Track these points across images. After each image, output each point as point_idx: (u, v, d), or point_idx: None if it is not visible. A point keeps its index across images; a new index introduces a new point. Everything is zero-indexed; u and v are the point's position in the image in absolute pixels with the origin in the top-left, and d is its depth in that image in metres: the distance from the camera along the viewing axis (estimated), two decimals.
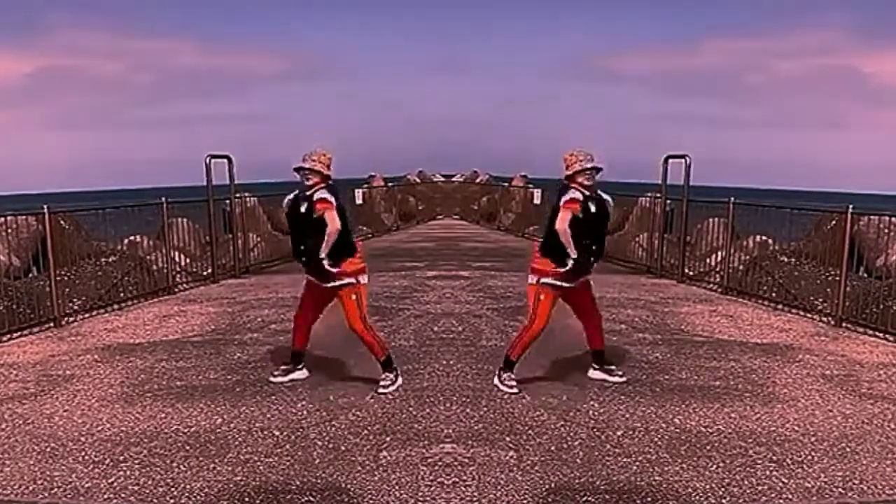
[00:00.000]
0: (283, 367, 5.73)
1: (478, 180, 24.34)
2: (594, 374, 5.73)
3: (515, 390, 5.41)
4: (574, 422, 4.88)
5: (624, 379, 5.65)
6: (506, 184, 21.01)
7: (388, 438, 4.58)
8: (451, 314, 8.13)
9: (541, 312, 5.35)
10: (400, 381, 5.56)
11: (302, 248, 5.28)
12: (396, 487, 3.91)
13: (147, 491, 3.86)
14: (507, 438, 4.58)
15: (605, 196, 5.36)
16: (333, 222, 5.13)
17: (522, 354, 5.52)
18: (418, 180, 24.33)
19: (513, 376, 5.50)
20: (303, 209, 5.19)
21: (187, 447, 4.44)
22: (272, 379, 5.64)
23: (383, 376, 5.50)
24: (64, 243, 8.29)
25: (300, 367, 5.73)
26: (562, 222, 5.14)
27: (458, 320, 7.81)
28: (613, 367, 5.78)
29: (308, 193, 5.21)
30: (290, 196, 5.37)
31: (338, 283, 5.28)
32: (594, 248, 5.27)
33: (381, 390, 5.42)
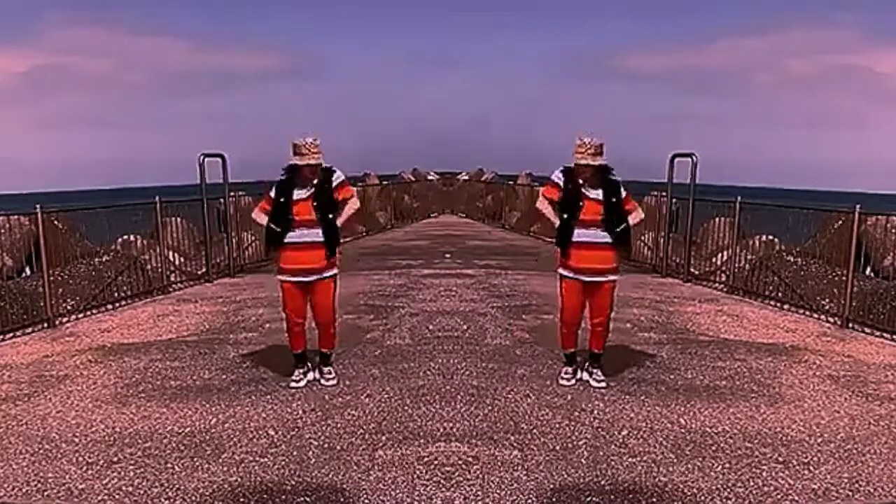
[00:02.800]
0: (300, 372, 5.62)
1: (483, 178, 24.31)
2: (583, 374, 5.69)
3: (568, 381, 5.61)
4: (579, 421, 4.83)
5: (602, 386, 5.49)
6: (511, 182, 21.00)
7: (383, 437, 4.54)
8: (455, 312, 8.05)
9: (564, 299, 5.47)
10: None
11: (329, 220, 5.30)
12: (392, 487, 3.88)
13: (141, 492, 3.81)
14: (512, 438, 4.54)
15: (614, 182, 5.32)
16: (357, 202, 5.57)
17: (566, 345, 5.64)
18: (413, 178, 24.32)
19: (568, 370, 5.69)
20: (326, 186, 5.32)
21: (182, 447, 4.40)
22: (293, 386, 5.52)
23: (329, 370, 5.69)
24: (57, 243, 8.22)
25: (310, 367, 5.71)
26: (539, 202, 5.59)
27: (463, 319, 7.74)
28: (596, 372, 5.63)
29: (322, 177, 5.30)
30: (305, 185, 5.27)
31: (332, 272, 5.39)
32: (570, 221, 5.28)
33: (327, 383, 5.59)
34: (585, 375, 5.65)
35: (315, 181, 5.27)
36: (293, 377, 5.60)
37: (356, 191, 5.61)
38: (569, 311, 5.45)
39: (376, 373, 5.87)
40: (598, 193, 5.25)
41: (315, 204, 5.24)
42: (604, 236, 5.25)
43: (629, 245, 5.41)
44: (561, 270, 5.41)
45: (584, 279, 5.32)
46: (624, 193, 5.34)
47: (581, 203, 5.24)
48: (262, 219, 5.45)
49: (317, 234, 5.26)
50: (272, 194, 5.35)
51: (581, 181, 5.26)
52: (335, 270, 5.42)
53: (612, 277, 5.36)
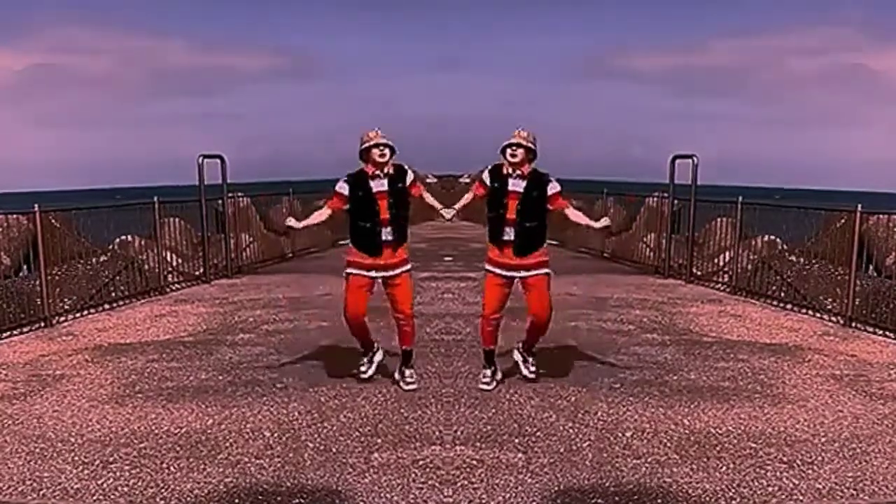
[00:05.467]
0: (365, 359, 5.60)
1: None
2: (515, 354, 5.67)
3: (487, 386, 5.47)
4: (583, 423, 4.80)
5: (533, 376, 5.53)
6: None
7: (379, 440, 4.52)
8: (457, 315, 7.99)
9: (486, 296, 5.43)
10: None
11: (396, 224, 5.28)
12: (388, 489, 3.86)
13: (137, 492, 3.79)
14: (516, 440, 4.52)
15: (543, 175, 5.30)
16: (431, 199, 5.73)
17: (487, 344, 5.52)
18: None
19: (487, 373, 5.55)
20: (399, 185, 5.29)
21: (177, 448, 4.37)
22: (362, 376, 5.54)
23: (409, 372, 5.55)
24: (55, 242, 8.18)
25: (376, 349, 5.67)
26: (467, 195, 5.65)
27: (465, 321, 7.66)
28: (531, 360, 5.61)
29: (394, 172, 5.29)
30: (378, 174, 5.25)
31: (406, 267, 5.38)
32: (498, 222, 5.26)
33: (407, 387, 5.46)
34: (518, 357, 5.61)
35: (387, 172, 5.25)
36: (361, 367, 5.59)
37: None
38: (488, 305, 5.40)
39: (375, 375, 5.76)
40: (520, 186, 5.21)
41: (391, 201, 5.23)
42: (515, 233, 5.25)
43: (530, 243, 5.26)
44: (486, 265, 5.40)
45: (506, 274, 5.30)
46: (552, 191, 5.26)
47: (506, 201, 5.21)
48: (325, 214, 5.47)
49: (390, 233, 5.25)
50: (343, 191, 5.30)
51: (508, 172, 5.23)
52: (409, 266, 5.42)
53: (536, 272, 5.28)
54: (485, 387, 5.45)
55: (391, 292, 5.41)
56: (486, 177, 5.36)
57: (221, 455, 4.26)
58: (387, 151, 5.21)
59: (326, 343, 6.65)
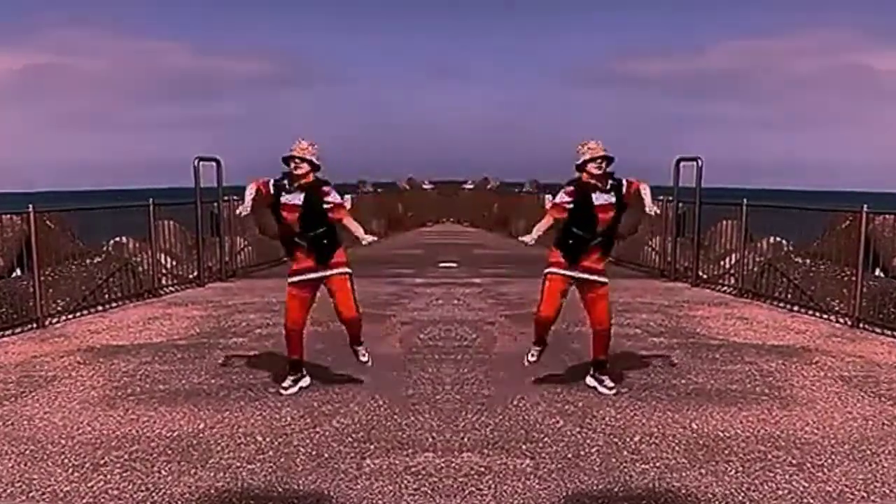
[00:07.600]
0: (291, 379, 5.49)
1: (488, 186, 24.19)
2: (589, 380, 5.57)
3: (533, 359, 5.55)
4: (591, 428, 4.73)
5: (613, 392, 5.39)
6: (517, 189, 20.93)
7: (371, 447, 4.44)
8: (463, 321, 7.90)
9: (544, 297, 5.31)
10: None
11: (317, 232, 5.21)
12: (380, 496, 3.80)
13: (127, 496, 3.75)
14: (524, 446, 4.45)
15: (624, 181, 5.26)
16: (354, 225, 5.36)
17: (539, 333, 5.50)
18: (408, 187, 24.23)
19: (535, 349, 5.56)
20: (314, 199, 5.20)
21: (169, 452, 4.31)
22: (283, 392, 5.41)
23: (364, 350, 5.57)
24: (49, 243, 8.14)
25: (304, 374, 5.58)
26: (544, 221, 5.40)
27: (472, 327, 7.58)
28: (605, 379, 5.51)
29: (311, 184, 5.19)
30: (296, 187, 5.19)
31: (341, 269, 5.25)
32: (581, 233, 5.21)
33: (363, 358, 5.55)
34: (593, 382, 5.50)
35: (304, 185, 5.17)
36: (284, 383, 5.46)
37: (349, 198, 5.46)
38: (549, 307, 5.29)
39: (368, 381, 5.70)
40: (608, 197, 5.18)
41: (301, 213, 5.16)
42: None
43: (611, 246, 5.40)
44: (552, 269, 5.28)
45: (573, 275, 5.24)
46: (625, 185, 5.24)
47: (595, 213, 5.15)
48: (251, 190, 5.37)
49: (305, 242, 5.21)
50: (270, 187, 5.26)
51: (592, 184, 5.16)
52: (345, 269, 5.28)
53: (604, 279, 5.32)
54: (532, 358, 5.51)
55: (331, 297, 5.32)
56: (565, 198, 5.27)
57: (213, 459, 4.20)
58: (304, 165, 5.14)
59: (320, 347, 6.52)
